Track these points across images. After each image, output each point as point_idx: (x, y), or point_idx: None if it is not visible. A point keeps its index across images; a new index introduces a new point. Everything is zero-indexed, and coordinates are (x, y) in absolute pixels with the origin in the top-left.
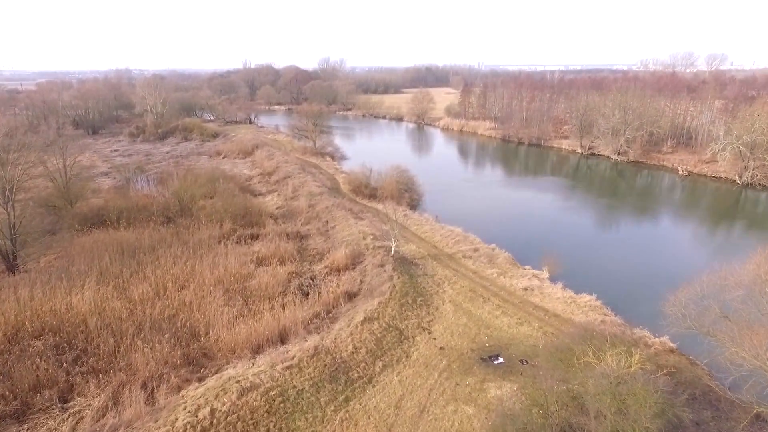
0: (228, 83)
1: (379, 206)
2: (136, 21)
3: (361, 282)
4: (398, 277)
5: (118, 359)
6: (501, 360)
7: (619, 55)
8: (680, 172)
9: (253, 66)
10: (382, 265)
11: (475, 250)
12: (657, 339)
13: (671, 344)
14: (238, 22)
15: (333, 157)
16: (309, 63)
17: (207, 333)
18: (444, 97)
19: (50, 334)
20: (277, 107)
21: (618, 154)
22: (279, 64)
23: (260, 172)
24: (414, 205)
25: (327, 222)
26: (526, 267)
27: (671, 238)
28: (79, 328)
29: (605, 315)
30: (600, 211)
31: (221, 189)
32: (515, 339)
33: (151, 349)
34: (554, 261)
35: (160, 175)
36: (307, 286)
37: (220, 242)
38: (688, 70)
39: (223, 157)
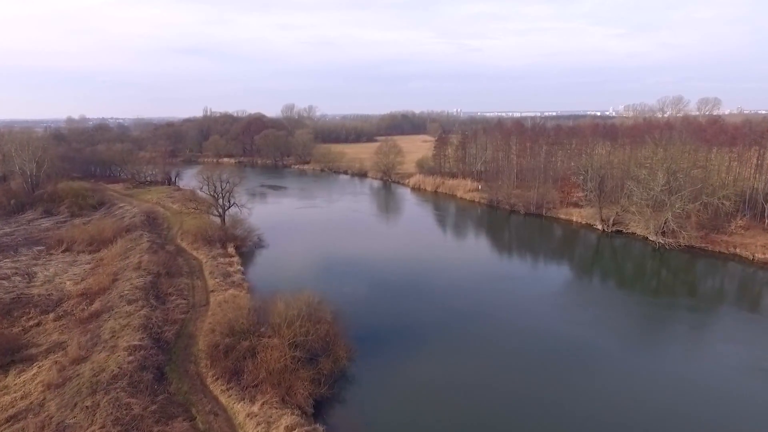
0: (175, 132)
1: (244, 410)
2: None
3: None
4: None
5: None
6: None
7: (589, 102)
8: None
9: (210, 113)
10: None
11: None
12: None
13: None
14: (209, 70)
15: (239, 246)
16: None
17: None
18: (420, 146)
19: None
20: (226, 160)
21: (662, 235)
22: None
23: (86, 287)
24: (322, 394)
25: None
26: None
27: None
28: None
29: None
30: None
31: None
32: None
33: None
34: None
35: None
36: None
37: None
38: (679, 115)
39: (63, 251)
